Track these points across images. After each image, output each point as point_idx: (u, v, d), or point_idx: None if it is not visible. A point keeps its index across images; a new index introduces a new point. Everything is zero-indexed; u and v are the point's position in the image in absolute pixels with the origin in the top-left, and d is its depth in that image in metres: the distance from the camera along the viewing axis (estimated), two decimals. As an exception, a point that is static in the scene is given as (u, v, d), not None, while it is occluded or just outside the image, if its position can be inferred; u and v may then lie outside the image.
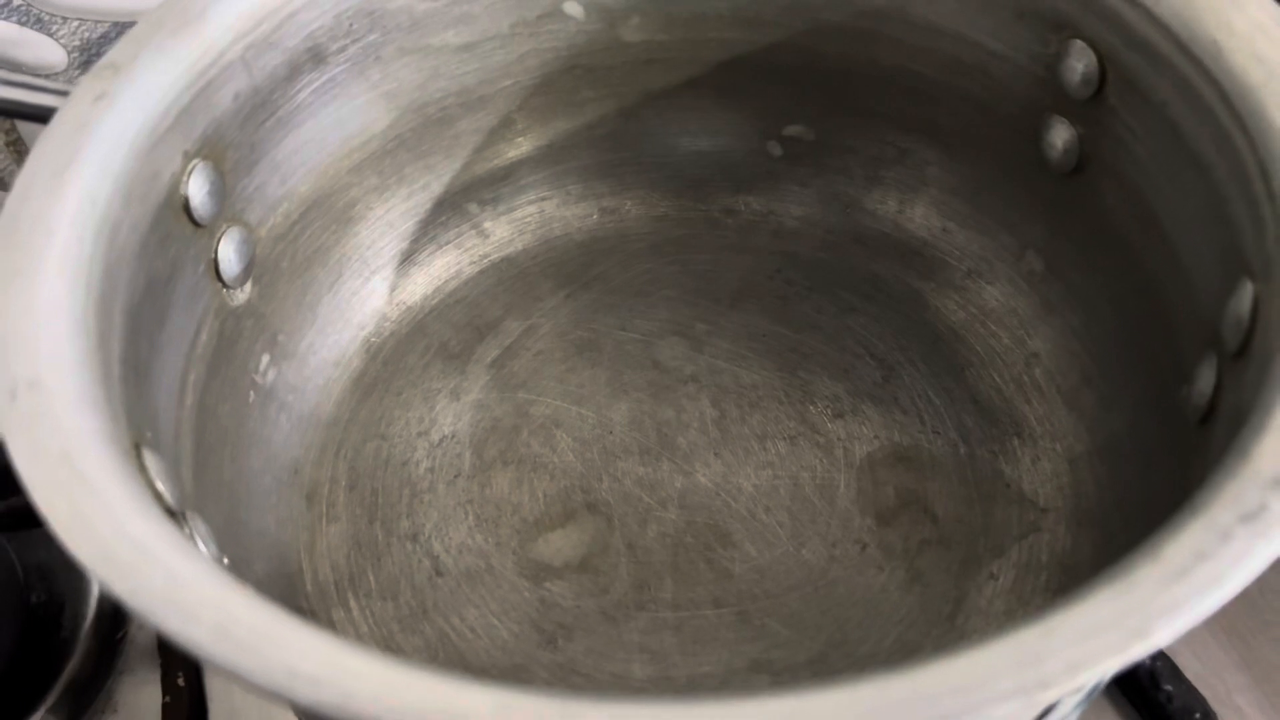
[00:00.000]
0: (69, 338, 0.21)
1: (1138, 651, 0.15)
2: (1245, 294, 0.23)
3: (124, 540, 0.18)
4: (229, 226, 0.29)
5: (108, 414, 0.21)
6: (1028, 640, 0.16)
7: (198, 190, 0.27)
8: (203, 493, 0.26)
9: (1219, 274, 0.24)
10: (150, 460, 0.22)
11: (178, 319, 0.27)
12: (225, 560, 0.25)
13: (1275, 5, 0.24)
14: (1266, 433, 0.18)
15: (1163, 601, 0.16)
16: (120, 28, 0.44)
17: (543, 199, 0.37)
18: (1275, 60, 0.23)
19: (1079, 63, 0.28)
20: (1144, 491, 0.27)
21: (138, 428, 0.23)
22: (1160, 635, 0.15)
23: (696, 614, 0.29)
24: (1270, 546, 0.16)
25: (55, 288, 0.22)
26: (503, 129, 0.36)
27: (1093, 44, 0.28)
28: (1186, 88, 0.25)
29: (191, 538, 0.23)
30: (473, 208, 0.37)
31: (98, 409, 0.20)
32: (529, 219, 0.37)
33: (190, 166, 0.27)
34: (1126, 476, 0.29)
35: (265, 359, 0.31)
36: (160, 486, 0.22)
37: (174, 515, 0.22)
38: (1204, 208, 0.25)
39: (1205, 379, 0.24)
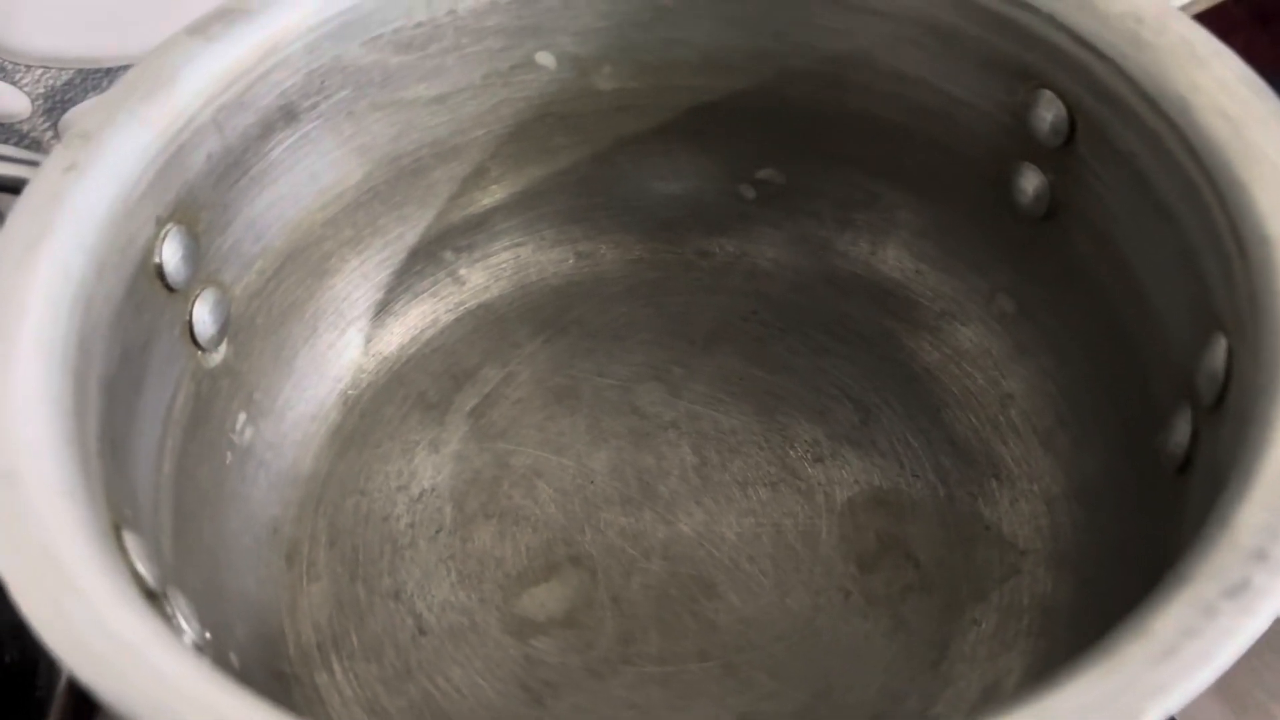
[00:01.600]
0: (46, 422, 0.21)
1: (1128, 733, 0.15)
2: (1219, 349, 0.23)
3: (108, 640, 0.17)
4: (203, 289, 0.29)
5: (86, 499, 0.20)
6: (1018, 725, 0.16)
7: (171, 255, 0.27)
8: (183, 561, 0.26)
9: (1192, 326, 0.25)
10: (130, 541, 0.22)
11: (153, 386, 0.27)
12: (207, 635, 0.25)
13: (1240, 63, 0.24)
14: (1245, 501, 0.18)
15: (1151, 681, 0.16)
16: (85, 75, 0.44)
17: (518, 244, 0.37)
18: (1240, 118, 0.24)
19: (1048, 112, 0.29)
20: (1122, 536, 0.28)
21: (116, 507, 0.23)
22: (1151, 716, 0.16)
23: (682, 668, 0.29)
24: (1256, 622, 0.16)
25: (30, 369, 0.22)
26: (476, 177, 0.36)
27: (1061, 95, 0.28)
28: (1155, 141, 0.25)
29: (174, 616, 0.23)
30: (448, 255, 0.36)
31: (76, 496, 0.20)
32: (504, 265, 0.37)
33: (164, 232, 0.27)
34: (1104, 520, 0.29)
35: (242, 418, 0.31)
36: (140, 568, 0.22)
37: (155, 597, 0.22)
38: (1175, 259, 0.25)
39: (1181, 430, 0.25)
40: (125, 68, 0.43)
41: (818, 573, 0.31)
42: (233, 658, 0.26)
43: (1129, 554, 0.27)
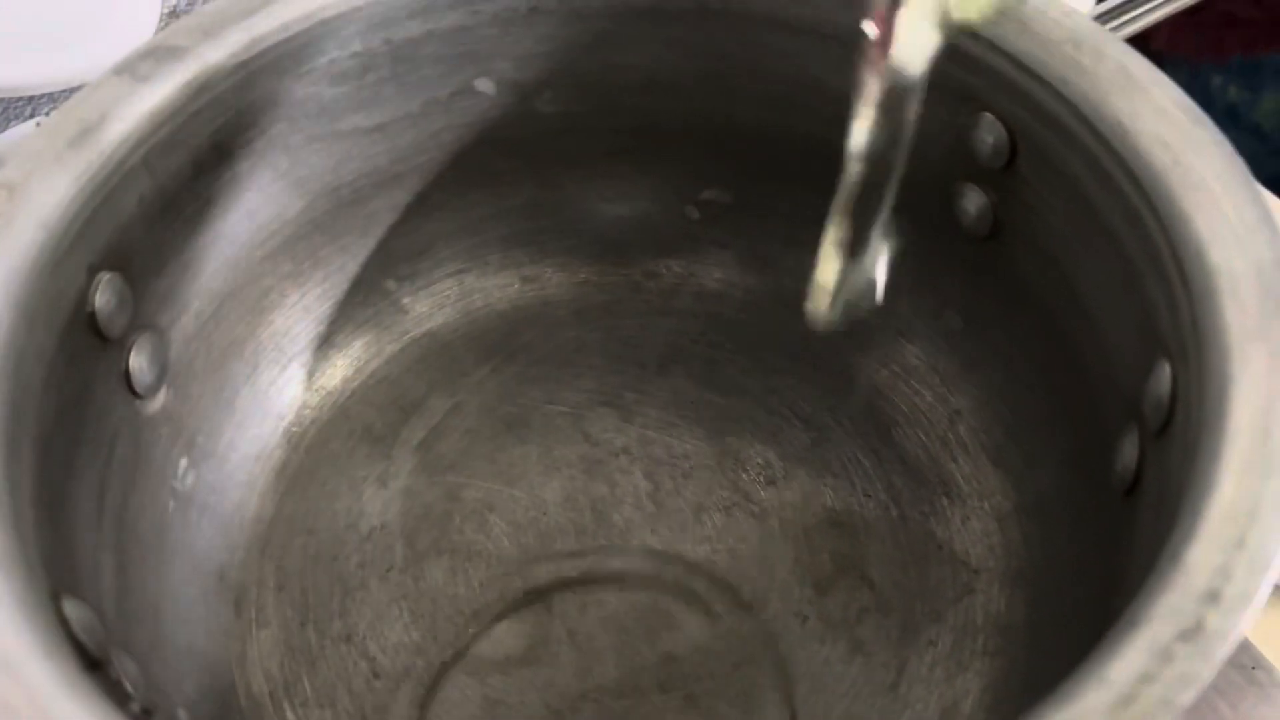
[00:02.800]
0: (-23, 494, 0.20)
1: (1092, 786, 0.16)
2: (1164, 375, 0.23)
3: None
4: (139, 335, 0.28)
5: (23, 574, 0.20)
6: (984, 780, 0.16)
7: (105, 304, 0.26)
8: (127, 620, 0.25)
9: (1138, 350, 0.25)
10: (70, 608, 0.21)
11: (90, 440, 0.26)
12: (154, 698, 0.24)
13: (1178, 90, 0.25)
14: (1196, 539, 0.18)
15: (1112, 730, 0.16)
16: (7, 104, 0.42)
17: (461, 271, 0.37)
18: (1179, 146, 0.24)
19: (989, 135, 0.29)
20: (1074, 553, 0.28)
21: (55, 574, 0.22)
22: (1113, 766, 0.16)
23: (643, 701, 0.29)
24: (1209, 666, 0.17)
25: (-41, 439, 0.21)
26: (417, 205, 0.35)
27: (1002, 118, 0.28)
28: (1096, 166, 0.26)
29: (118, 682, 0.22)
30: (390, 284, 0.36)
31: (11, 573, 0.19)
32: (449, 292, 0.37)
33: (96, 280, 0.26)
34: (1056, 537, 0.29)
35: (183, 463, 0.30)
36: (82, 637, 0.21)
37: (98, 665, 0.21)
38: (1120, 282, 0.25)
39: (1129, 452, 0.25)
40: (49, 95, 0.42)
41: (774, 598, 0.31)
42: (181, 715, 0.26)
43: (1082, 571, 0.27)
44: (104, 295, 0.26)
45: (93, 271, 0.26)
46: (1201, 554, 0.18)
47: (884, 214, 0.25)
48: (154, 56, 0.27)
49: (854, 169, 0.24)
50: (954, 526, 0.32)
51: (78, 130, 0.26)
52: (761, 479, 0.33)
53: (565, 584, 0.31)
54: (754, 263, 0.37)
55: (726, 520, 0.32)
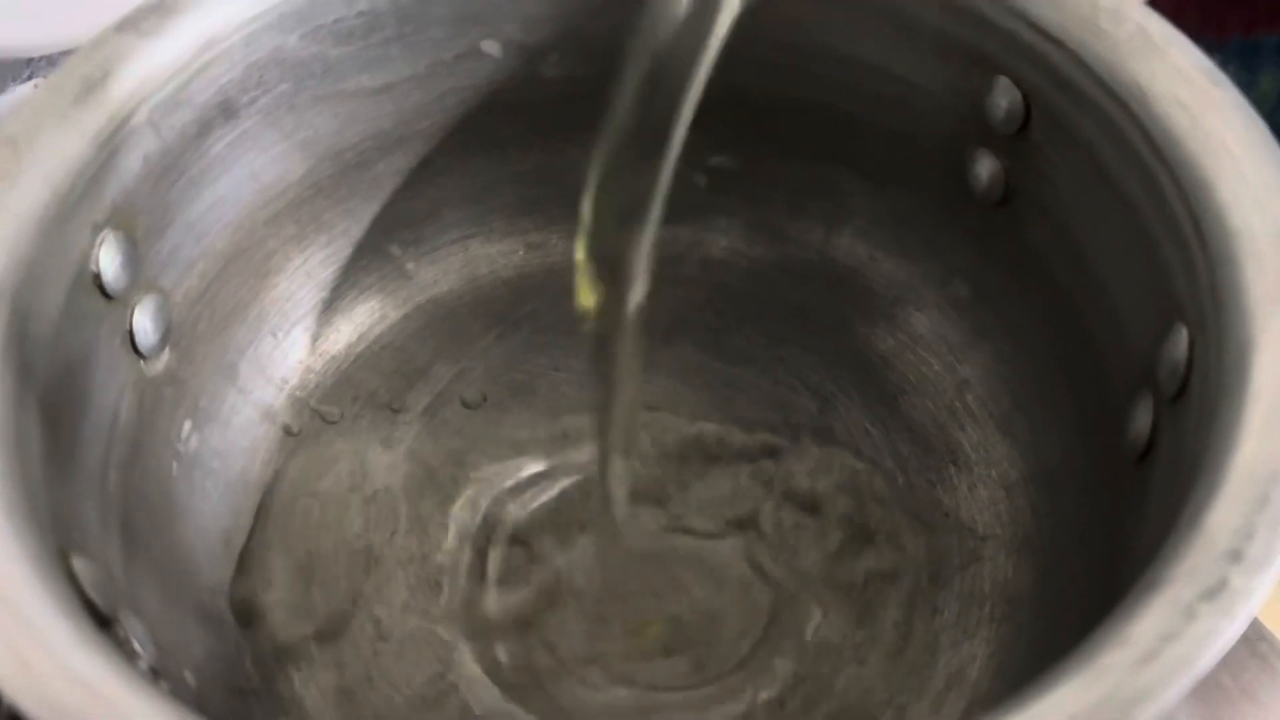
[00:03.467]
0: (-14, 451, 0.20)
1: (1113, 744, 0.15)
2: (1180, 340, 0.23)
3: (65, 681, 0.17)
4: (143, 295, 0.28)
5: (33, 530, 0.20)
6: (1004, 740, 0.16)
7: (109, 263, 0.26)
8: (134, 581, 0.25)
9: (1152, 316, 0.25)
10: (79, 566, 0.21)
11: (96, 400, 0.26)
12: (162, 657, 0.24)
13: (1198, 52, 0.24)
14: (1217, 500, 0.18)
15: (1134, 688, 0.16)
16: (4, 66, 0.42)
17: (466, 237, 0.36)
18: (1199, 107, 0.24)
19: (1003, 99, 0.28)
20: (1083, 522, 0.28)
21: (64, 532, 0.22)
22: (1135, 724, 0.16)
23: (649, 665, 0.29)
24: (1235, 625, 0.16)
25: (-33, 395, 0.21)
26: (422, 169, 0.35)
27: (1016, 82, 0.28)
28: (1113, 130, 0.25)
29: (127, 641, 0.22)
30: (395, 250, 0.36)
31: (22, 529, 0.19)
32: (453, 258, 0.36)
33: (100, 239, 0.26)
34: (1064, 506, 0.29)
35: (187, 426, 0.30)
36: (91, 595, 0.21)
37: (107, 623, 0.21)
38: (1134, 249, 0.25)
39: (1142, 418, 0.25)
40: (47, 58, 0.41)
41: (781, 564, 0.31)
42: (188, 676, 0.25)
43: (1090, 540, 0.27)
44: (108, 254, 0.26)
45: (97, 230, 0.26)
46: (1223, 515, 0.18)
47: (667, 169, 0.19)
48: (158, 12, 0.27)
49: (633, 76, 0.18)
50: (961, 494, 0.32)
51: (81, 87, 0.26)
52: (769, 448, 0.33)
53: (571, 548, 0.31)
54: (761, 231, 0.36)
55: (734, 487, 0.32)
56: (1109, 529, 0.26)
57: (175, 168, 0.28)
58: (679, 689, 0.29)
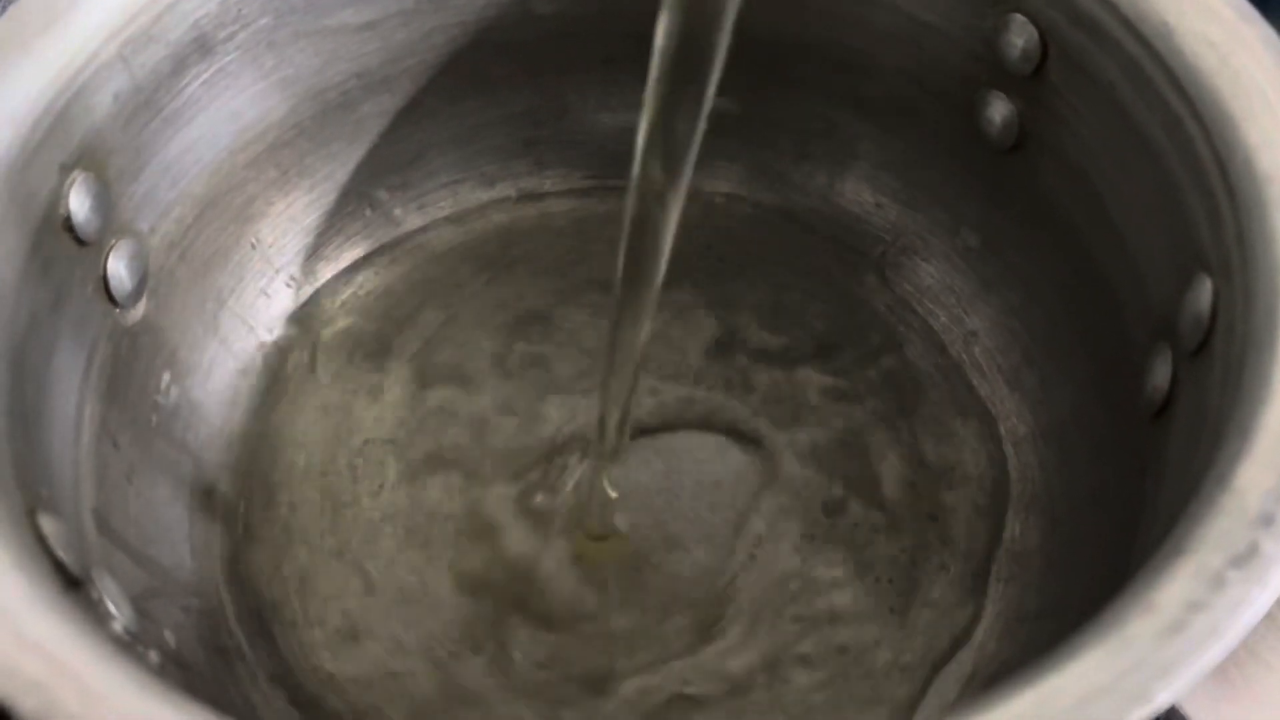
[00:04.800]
0: (-56, 404, 0.19)
1: (1139, 717, 0.15)
2: (1204, 290, 0.22)
3: (25, 651, 0.16)
4: (118, 240, 0.26)
5: (-4, 488, 0.19)
6: (1022, 712, 0.15)
7: (80, 205, 0.25)
8: (108, 539, 0.24)
9: (1172, 266, 0.24)
10: (47, 525, 0.20)
11: (67, 350, 0.25)
12: (138, 618, 0.23)
13: (1228, -14, 0.23)
14: (1246, 461, 0.17)
15: (1160, 659, 0.15)
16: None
17: (456, 182, 0.35)
18: (1227, 45, 0.22)
19: (1018, 38, 0.27)
20: (1093, 479, 0.27)
21: (31, 489, 0.21)
22: (1162, 697, 0.15)
23: (645, 621, 0.28)
24: (1266, 592, 0.16)
25: (-76, 345, 0.19)
26: (409, 111, 0.33)
27: (1033, 19, 0.27)
28: (1135, 70, 0.24)
29: (100, 602, 0.21)
30: (381, 195, 0.34)
31: (-16, 486, 0.18)
32: (442, 203, 0.35)
33: (69, 180, 0.24)
34: (1075, 462, 0.28)
35: (166, 377, 0.29)
36: (60, 554, 0.20)
37: (77, 584, 0.20)
38: (1155, 196, 0.24)
39: (1160, 373, 0.24)
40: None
41: (782, 518, 0.30)
42: (168, 636, 0.25)
43: (1103, 499, 0.26)
44: (78, 196, 0.25)
45: (65, 171, 0.24)
46: (1253, 476, 0.17)
47: (708, 103, 0.19)
48: (128, -61, 0.26)
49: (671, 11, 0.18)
50: (968, 449, 0.31)
51: (45, 19, 0.24)
52: (770, 398, 0.32)
53: (565, 501, 0.30)
54: (762, 177, 0.35)
55: (733, 440, 0.31)
56: (1123, 488, 0.25)
57: (148, 107, 0.27)
58: (677, 648, 0.28)
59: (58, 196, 0.24)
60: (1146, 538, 0.22)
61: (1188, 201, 0.23)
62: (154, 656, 0.22)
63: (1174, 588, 0.16)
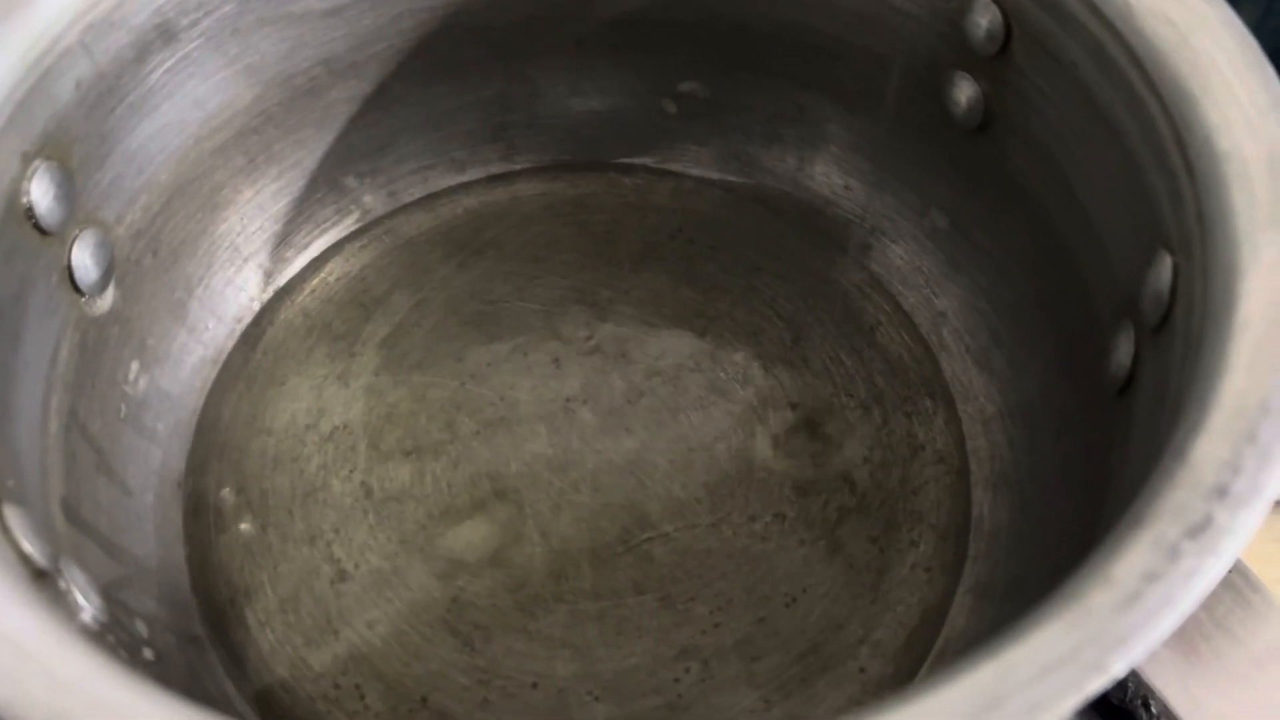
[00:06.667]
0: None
1: (1096, 686, 0.15)
2: (1165, 268, 0.22)
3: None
4: (82, 230, 0.26)
5: (-41, 477, 0.18)
6: (983, 683, 0.15)
7: (42, 195, 0.24)
8: (77, 530, 0.24)
9: (1135, 244, 0.24)
10: (13, 516, 0.20)
11: (32, 342, 0.24)
12: (107, 608, 0.23)
13: (1187, -35, 0.23)
14: (1202, 433, 0.18)
15: (1118, 630, 0.15)
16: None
17: (426, 167, 0.35)
18: (1187, 24, 0.23)
19: (983, 19, 0.27)
20: (1062, 457, 0.27)
21: (-3, 480, 0.21)
22: (1118, 667, 0.15)
23: (618, 603, 0.29)
24: (1219, 563, 0.16)
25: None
26: (378, 96, 0.33)
27: (997, 0, 0.27)
28: (1098, 50, 0.24)
29: (68, 593, 0.21)
30: (350, 181, 0.34)
31: (-52, 477, 0.18)
32: (412, 189, 0.35)
33: (31, 169, 0.24)
34: (1042, 440, 0.28)
35: (135, 366, 0.29)
36: (26, 546, 0.20)
37: (44, 576, 0.20)
38: (1118, 175, 0.24)
39: (1123, 350, 0.24)
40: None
41: (753, 498, 0.30)
42: (140, 627, 0.25)
43: (1070, 475, 0.26)
44: (40, 185, 0.24)
45: (27, 159, 0.24)
46: (1209, 448, 0.17)
47: None
48: (88, -75, 0.25)
49: None
50: (936, 428, 0.31)
51: (5, 4, 0.24)
52: (741, 377, 0.32)
53: (536, 484, 0.30)
54: (733, 160, 0.35)
55: (704, 419, 0.31)
56: (1089, 464, 0.25)
57: (112, 94, 0.27)
58: (649, 628, 0.28)
59: (19, 185, 0.24)
60: (1112, 512, 0.22)
61: (1150, 180, 0.23)
62: (125, 646, 0.22)
63: (1131, 559, 0.16)
